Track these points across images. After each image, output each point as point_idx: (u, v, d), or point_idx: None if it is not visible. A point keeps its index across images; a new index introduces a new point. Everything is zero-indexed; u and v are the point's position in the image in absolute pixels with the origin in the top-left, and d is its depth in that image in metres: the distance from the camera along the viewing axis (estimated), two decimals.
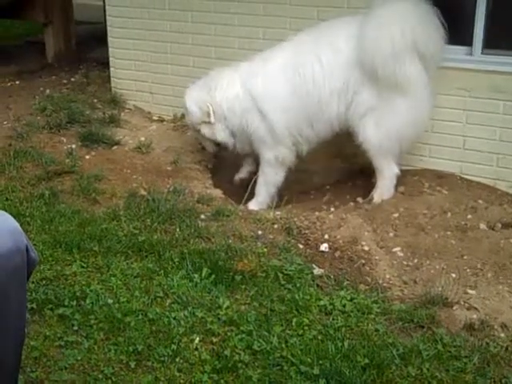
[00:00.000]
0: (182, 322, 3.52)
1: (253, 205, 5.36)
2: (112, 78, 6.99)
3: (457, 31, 5.06)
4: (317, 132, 5.20)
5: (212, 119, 5.30)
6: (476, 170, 5.17)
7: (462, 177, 5.21)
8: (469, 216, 4.70)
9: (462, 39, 5.10)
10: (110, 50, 6.90)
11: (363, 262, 4.25)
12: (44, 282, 3.84)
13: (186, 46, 6.37)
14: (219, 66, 5.73)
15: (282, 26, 5.75)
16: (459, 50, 5.11)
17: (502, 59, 4.96)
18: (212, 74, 5.47)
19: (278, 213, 5.02)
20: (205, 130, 5.40)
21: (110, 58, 6.93)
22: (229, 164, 5.92)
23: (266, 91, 5.15)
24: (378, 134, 4.93)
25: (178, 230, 4.45)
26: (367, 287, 3.95)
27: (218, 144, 5.51)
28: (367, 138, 4.97)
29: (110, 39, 6.87)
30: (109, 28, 6.84)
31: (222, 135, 5.36)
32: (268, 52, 5.29)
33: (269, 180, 5.39)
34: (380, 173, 5.08)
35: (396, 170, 5.06)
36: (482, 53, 5.05)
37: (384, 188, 5.06)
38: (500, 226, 4.52)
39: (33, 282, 3.78)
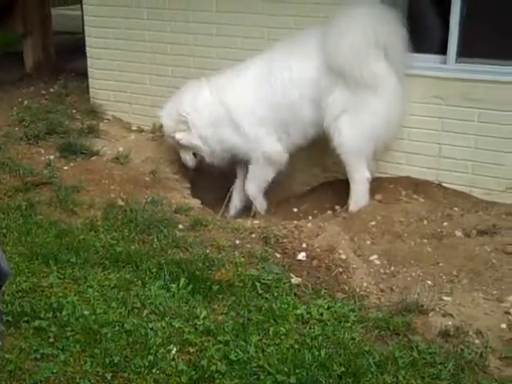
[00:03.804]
0: (159, 333, 3.51)
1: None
2: (90, 89, 6.98)
3: (431, 40, 5.15)
4: (292, 138, 5.29)
5: (185, 126, 5.39)
6: (452, 177, 5.21)
7: (438, 184, 5.26)
8: (445, 223, 4.74)
9: (436, 48, 5.16)
10: (88, 60, 6.90)
11: (340, 270, 4.26)
12: (20, 294, 3.82)
13: (164, 56, 6.38)
14: (198, 75, 5.81)
15: (259, 36, 5.78)
16: (434, 59, 5.17)
17: (476, 67, 5.01)
18: (182, 89, 5.59)
19: (256, 222, 5.05)
20: (179, 136, 5.47)
21: (89, 69, 6.92)
22: (207, 174, 5.93)
23: (239, 104, 5.26)
24: (352, 135, 5.00)
25: (155, 240, 4.45)
26: (344, 295, 3.96)
27: (195, 155, 5.56)
28: (341, 141, 5.03)
29: (88, 49, 6.87)
30: (87, 38, 6.84)
31: (194, 139, 5.44)
32: (240, 65, 5.41)
33: (257, 175, 5.46)
34: (352, 178, 5.15)
35: (367, 175, 5.11)
36: (456, 61, 5.10)
37: (358, 194, 5.10)
38: (475, 233, 4.55)
39: (8, 295, 3.76)
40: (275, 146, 5.31)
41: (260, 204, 5.55)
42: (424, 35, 5.09)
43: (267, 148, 5.31)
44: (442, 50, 5.13)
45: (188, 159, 5.64)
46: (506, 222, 4.68)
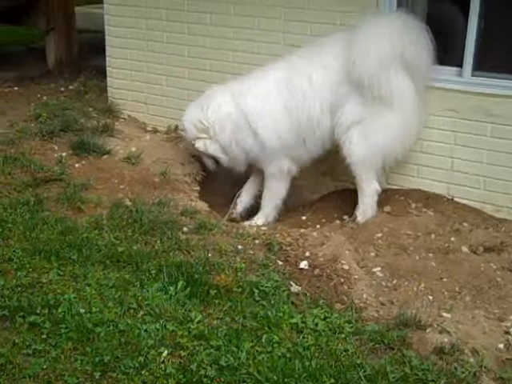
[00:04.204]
0: (152, 335, 3.50)
1: (259, 218, 5.47)
2: (108, 88, 7.02)
3: (447, 52, 5.07)
4: (309, 150, 5.23)
5: (206, 135, 5.36)
6: (463, 192, 5.15)
7: (449, 198, 5.19)
8: (452, 238, 4.68)
9: (452, 60, 5.09)
10: (107, 59, 6.95)
11: (342, 280, 4.22)
12: (19, 289, 3.84)
13: (181, 57, 6.40)
14: (214, 78, 5.84)
15: (276, 41, 5.78)
16: (449, 71, 5.10)
17: (492, 82, 4.94)
18: (206, 93, 5.54)
19: (263, 228, 5.03)
20: (199, 145, 5.48)
21: (107, 68, 6.97)
22: (218, 177, 5.93)
23: (258, 110, 5.20)
24: (363, 147, 4.95)
25: (158, 241, 4.45)
26: (343, 306, 3.92)
27: (216, 161, 5.55)
28: (351, 152, 4.98)
29: (107, 48, 6.92)
30: (107, 37, 6.89)
31: (213, 148, 5.42)
32: (260, 71, 5.35)
33: (273, 193, 5.46)
34: (360, 189, 5.09)
35: (376, 187, 5.06)
36: (471, 75, 5.03)
37: (366, 205, 5.06)
38: (482, 249, 4.49)
39: (8, 289, 3.80)
40: (290, 164, 5.31)
41: (267, 218, 5.49)
42: (440, 47, 5.01)
43: (282, 165, 5.31)
44: (458, 62, 5.06)
45: (209, 163, 5.63)
46: None
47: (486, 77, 4.99)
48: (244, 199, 5.71)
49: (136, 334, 3.50)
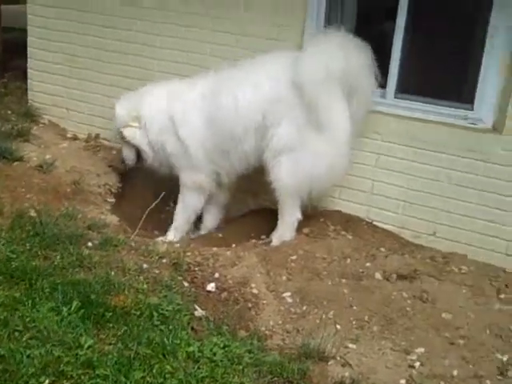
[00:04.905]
0: (35, 361, 3.22)
1: (170, 233, 5.26)
2: (29, 91, 6.72)
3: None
4: (233, 164, 5.05)
5: (137, 124, 5.18)
6: (382, 215, 5.06)
7: (369, 222, 5.09)
8: (367, 264, 4.55)
9: (377, 81, 4.96)
10: (28, 60, 6.66)
11: (249, 305, 4.05)
12: None
13: (104, 63, 6.16)
14: (136, 86, 5.57)
15: (202, 52, 5.62)
16: (374, 92, 4.98)
17: (414, 105, 4.88)
18: (144, 88, 5.35)
19: (176, 245, 4.82)
20: (127, 133, 5.25)
21: (28, 70, 6.68)
22: (137, 189, 5.71)
23: (183, 117, 5.04)
24: (292, 175, 4.76)
25: (58, 257, 4.17)
26: (246, 334, 3.74)
27: (138, 156, 5.32)
28: (279, 178, 4.79)
29: (29, 49, 6.62)
30: (29, 38, 6.58)
31: (141, 140, 5.22)
32: (196, 78, 5.18)
33: (186, 205, 5.27)
34: (282, 214, 4.92)
35: (298, 216, 4.90)
36: (395, 97, 4.95)
37: (284, 231, 4.90)
38: (395, 277, 4.37)
39: None
40: (208, 177, 5.16)
41: (177, 233, 5.29)
42: None
43: (200, 176, 5.14)
44: (382, 83, 4.94)
45: (129, 156, 5.40)
46: (429, 267, 4.53)
47: (409, 100, 4.92)
48: (207, 224, 5.58)
49: (17, 361, 3.21)
